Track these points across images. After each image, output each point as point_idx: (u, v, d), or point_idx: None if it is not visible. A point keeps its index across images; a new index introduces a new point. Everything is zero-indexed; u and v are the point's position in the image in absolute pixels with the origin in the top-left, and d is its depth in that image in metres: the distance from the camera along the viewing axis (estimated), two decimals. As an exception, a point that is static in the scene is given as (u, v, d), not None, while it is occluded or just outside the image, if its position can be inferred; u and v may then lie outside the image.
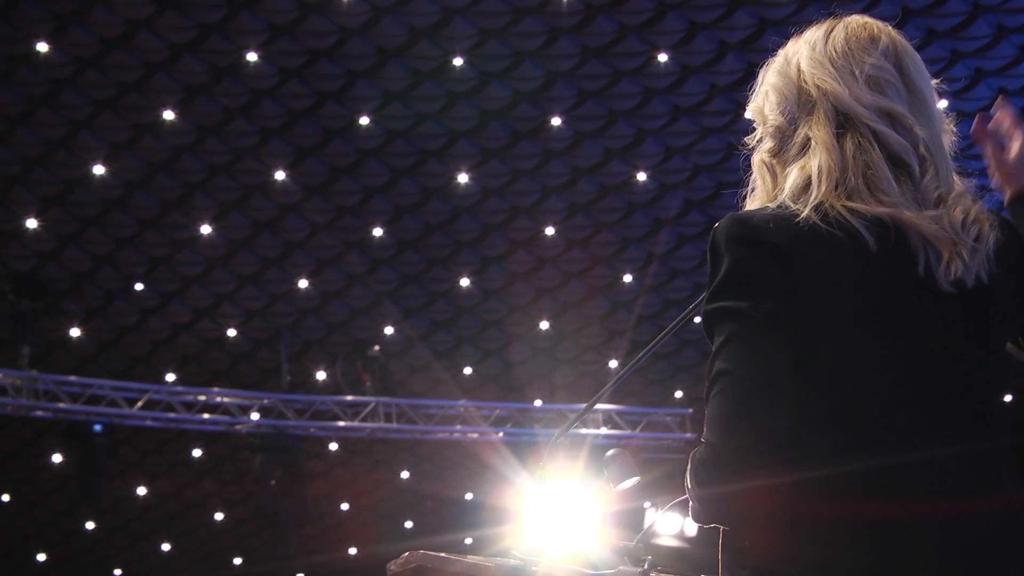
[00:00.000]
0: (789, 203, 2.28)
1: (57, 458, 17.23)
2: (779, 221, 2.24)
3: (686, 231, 15.28)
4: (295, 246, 15.10)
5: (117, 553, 20.50)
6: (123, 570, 21.02)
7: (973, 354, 2.26)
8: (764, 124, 2.44)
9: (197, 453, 18.10)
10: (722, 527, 2.26)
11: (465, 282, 15.81)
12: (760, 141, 2.45)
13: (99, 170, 13.83)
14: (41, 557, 20.27)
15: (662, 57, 13.07)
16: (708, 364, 2.22)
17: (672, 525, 16.36)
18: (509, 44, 12.97)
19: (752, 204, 2.40)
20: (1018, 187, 2.44)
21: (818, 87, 2.36)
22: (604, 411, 16.62)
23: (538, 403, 17.05)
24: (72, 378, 15.23)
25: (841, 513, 2.13)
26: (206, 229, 14.71)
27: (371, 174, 14.31)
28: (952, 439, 2.20)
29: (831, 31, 2.42)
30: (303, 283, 15.62)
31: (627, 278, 15.90)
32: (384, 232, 15.01)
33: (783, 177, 2.36)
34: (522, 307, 16.31)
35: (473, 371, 17.35)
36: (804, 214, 2.24)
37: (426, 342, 16.67)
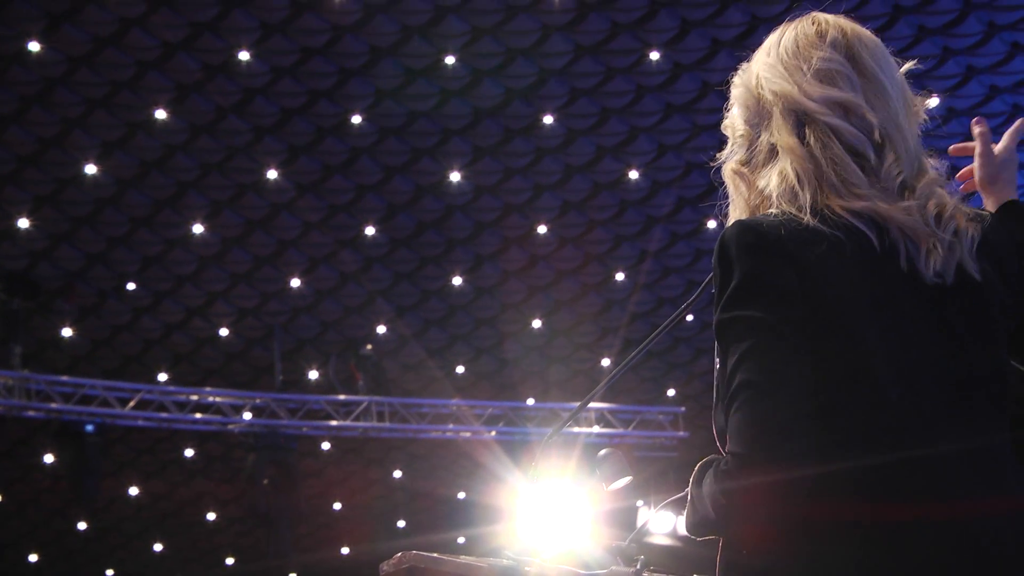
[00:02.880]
0: (787, 208, 2.26)
1: (49, 458, 17.18)
2: (787, 227, 2.22)
3: (679, 229, 15.29)
4: (288, 244, 15.10)
5: (110, 553, 20.49)
6: (116, 570, 21.00)
7: (972, 348, 2.25)
8: (734, 136, 2.44)
9: (190, 453, 18.08)
10: (722, 536, 2.24)
11: (458, 280, 15.81)
12: (732, 153, 2.44)
13: (91, 169, 13.81)
14: (33, 557, 20.25)
15: (654, 55, 13.08)
16: (724, 373, 2.19)
17: (665, 524, 16.38)
18: (501, 42, 12.96)
19: (734, 214, 2.39)
20: (1000, 195, 2.55)
21: (772, 91, 2.37)
22: (597, 409, 16.61)
23: (531, 402, 17.05)
24: (64, 378, 15.20)
25: (853, 515, 2.13)
26: (199, 228, 14.69)
27: (364, 172, 14.30)
28: (961, 437, 2.19)
29: (783, 34, 2.43)
30: (296, 282, 15.61)
31: (620, 276, 15.90)
32: (377, 230, 15.00)
33: (756, 185, 2.35)
34: (515, 305, 16.31)
35: (466, 369, 17.35)
36: (806, 218, 2.23)
37: (419, 340, 16.66)
